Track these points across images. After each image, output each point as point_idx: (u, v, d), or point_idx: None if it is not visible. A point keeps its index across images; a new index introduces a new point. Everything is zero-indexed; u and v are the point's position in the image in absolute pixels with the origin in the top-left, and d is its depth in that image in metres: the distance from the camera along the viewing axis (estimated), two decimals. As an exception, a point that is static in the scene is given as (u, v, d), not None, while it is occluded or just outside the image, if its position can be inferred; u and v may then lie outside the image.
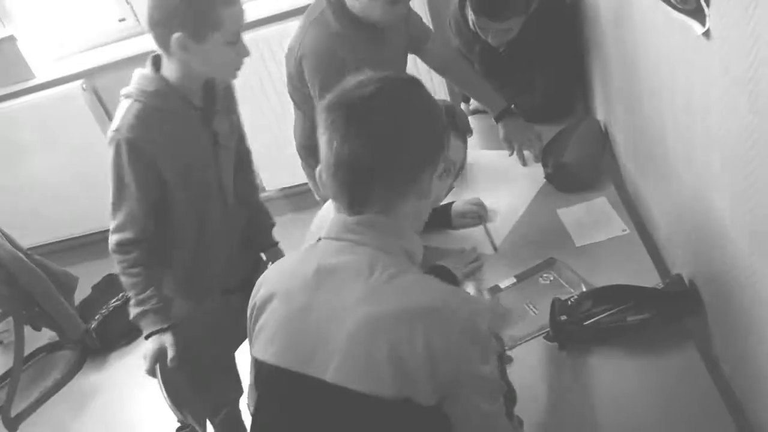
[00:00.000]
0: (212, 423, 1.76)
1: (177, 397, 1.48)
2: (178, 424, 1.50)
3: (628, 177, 1.71)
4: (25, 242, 3.62)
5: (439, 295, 0.90)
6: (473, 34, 1.89)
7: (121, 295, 3.22)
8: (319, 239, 0.99)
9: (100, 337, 3.11)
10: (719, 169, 0.98)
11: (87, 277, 3.46)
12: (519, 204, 1.71)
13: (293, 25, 1.87)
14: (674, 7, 0.96)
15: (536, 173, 1.78)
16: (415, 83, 0.97)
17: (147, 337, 1.50)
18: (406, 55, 1.93)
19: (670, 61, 1.10)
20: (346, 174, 0.91)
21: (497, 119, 1.89)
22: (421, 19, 1.97)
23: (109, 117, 3.38)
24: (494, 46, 1.82)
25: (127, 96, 1.46)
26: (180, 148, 1.50)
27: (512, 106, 1.90)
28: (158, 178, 1.48)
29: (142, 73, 1.47)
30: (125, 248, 1.49)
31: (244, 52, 1.46)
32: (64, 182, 3.53)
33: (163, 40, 1.39)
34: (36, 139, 3.38)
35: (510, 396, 1.02)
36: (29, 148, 3.40)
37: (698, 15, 0.87)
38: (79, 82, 3.21)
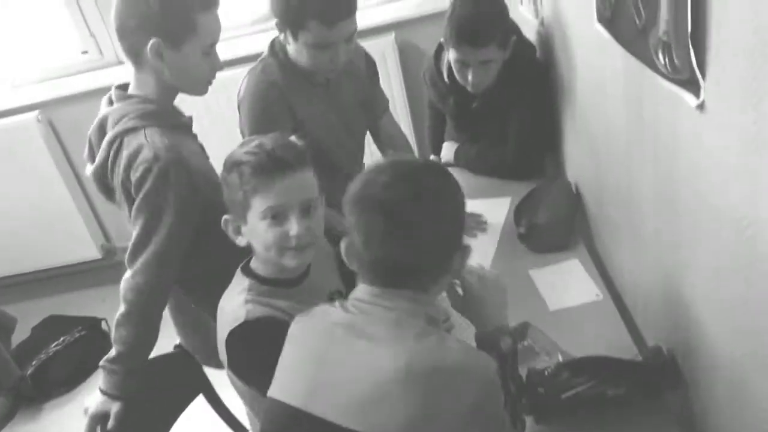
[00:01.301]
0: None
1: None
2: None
3: (599, 240, 1.69)
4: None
5: (466, 355, 0.95)
6: (447, 85, 1.91)
7: (62, 339, 3.04)
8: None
9: (36, 385, 2.90)
10: (704, 248, 0.95)
11: (27, 316, 3.27)
12: (485, 257, 1.67)
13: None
14: (664, 76, 0.94)
15: (500, 226, 1.78)
16: (434, 168, 1.05)
17: (101, 392, 1.38)
18: (364, 113, 1.88)
19: (655, 131, 1.08)
20: (384, 270, 0.97)
21: None
22: (383, 92, 1.96)
23: (64, 151, 3.25)
24: (472, 90, 1.80)
25: (132, 130, 1.32)
26: (202, 166, 1.40)
27: None
28: (200, 203, 1.35)
29: (129, 102, 1.36)
30: (141, 298, 1.34)
31: (218, 65, 1.42)
32: (9, 216, 3.36)
33: (136, 49, 1.33)
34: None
35: (520, 390, 1.10)
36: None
37: (692, 86, 0.85)
38: (34, 113, 3.09)
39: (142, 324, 1.37)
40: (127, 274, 1.35)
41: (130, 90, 1.40)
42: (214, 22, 1.37)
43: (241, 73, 2.01)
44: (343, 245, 1.02)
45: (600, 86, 1.39)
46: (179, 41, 1.33)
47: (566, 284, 1.52)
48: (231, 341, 1.19)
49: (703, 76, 0.82)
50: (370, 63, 1.89)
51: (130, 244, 1.35)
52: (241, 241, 1.26)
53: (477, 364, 0.95)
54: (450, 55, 1.79)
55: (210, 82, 1.43)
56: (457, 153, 2.07)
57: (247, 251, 1.37)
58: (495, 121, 1.92)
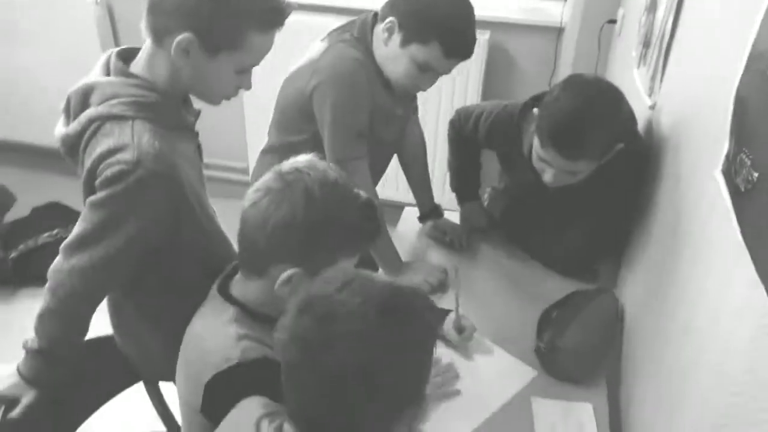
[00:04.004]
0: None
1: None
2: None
3: (626, 389, 1.41)
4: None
5: None
6: (527, 162, 1.53)
7: (56, 231, 2.93)
8: None
9: (16, 269, 2.81)
10: None
11: (33, 194, 3.18)
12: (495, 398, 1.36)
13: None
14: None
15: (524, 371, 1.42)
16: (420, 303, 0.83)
17: (18, 372, 1.20)
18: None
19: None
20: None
21: (422, 219, 1.91)
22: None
23: (116, 39, 3.06)
24: (548, 184, 1.48)
25: (118, 117, 1.09)
26: (193, 170, 1.19)
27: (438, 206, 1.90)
28: (173, 220, 1.15)
29: (128, 82, 1.12)
30: (73, 301, 1.14)
31: (247, 85, 1.19)
32: (48, 86, 3.22)
33: (162, 32, 1.08)
34: (34, 33, 3.08)
35: None
36: (25, 39, 3.11)
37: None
38: (95, -8, 2.90)
39: (71, 325, 1.18)
40: (62, 264, 1.14)
41: (136, 66, 1.15)
42: (266, 44, 1.14)
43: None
44: None
45: (702, 244, 1.08)
46: (216, 50, 1.09)
47: (567, 434, 1.27)
48: (217, 384, 1.01)
49: None
50: None
51: (75, 230, 1.13)
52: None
53: None
54: (534, 143, 1.45)
55: (229, 98, 1.20)
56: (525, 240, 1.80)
57: (209, 271, 1.20)
58: (564, 209, 1.61)
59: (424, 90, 1.57)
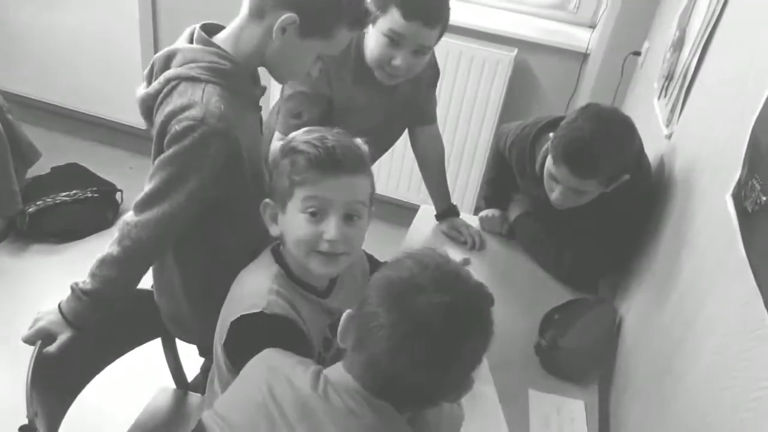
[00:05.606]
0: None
1: (37, 385, 1.28)
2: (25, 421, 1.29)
3: (616, 389, 1.51)
4: (24, 89, 3.45)
5: None
6: (537, 178, 1.66)
7: (74, 192, 3.01)
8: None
9: (31, 224, 2.89)
10: None
11: (55, 153, 3.26)
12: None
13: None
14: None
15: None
16: (485, 297, 0.89)
17: (59, 310, 1.27)
18: (409, 120, 1.92)
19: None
20: (390, 384, 0.86)
21: (439, 218, 2.00)
22: (435, 104, 1.95)
23: (155, 7, 3.15)
24: (554, 204, 1.59)
25: (193, 79, 1.18)
26: (253, 140, 1.28)
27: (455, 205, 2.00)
28: (230, 178, 1.23)
29: (207, 50, 1.22)
30: (138, 252, 1.22)
31: (315, 71, 1.35)
32: (90, 53, 3.36)
33: (269, 8, 1.19)
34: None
35: None
36: (66, 4, 3.23)
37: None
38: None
39: (129, 273, 1.27)
40: (131, 218, 1.24)
41: (219, 38, 1.25)
42: (346, 41, 1.27)
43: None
44: (345, 317, 0.91)
45: (704, 261, 1.18)
46: (310, 35, 1.21)
47: (560, 428, 1.36)
48: (239, 325, 1.12)
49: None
50: (435, 73, 1.88)
51: (146, 188, 1.23)
52: (274, 230, 1.19)
53: None
54: (547, 161, 1.57)
55: (294, 79, 1.38)
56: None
57: (249, 245, 1.28)
58: (572, 226, 1.73)
59: (399, 65, 1.58)
